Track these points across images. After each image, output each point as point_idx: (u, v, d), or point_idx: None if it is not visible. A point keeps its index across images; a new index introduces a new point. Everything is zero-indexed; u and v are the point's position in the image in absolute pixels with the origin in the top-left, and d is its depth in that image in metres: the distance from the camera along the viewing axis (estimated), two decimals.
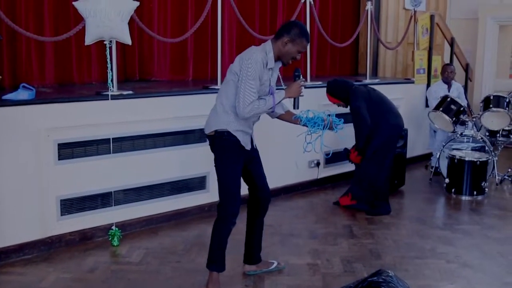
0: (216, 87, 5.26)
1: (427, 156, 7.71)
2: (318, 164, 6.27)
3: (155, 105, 4.77)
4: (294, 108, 3.62)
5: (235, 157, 3.49)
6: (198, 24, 5.27)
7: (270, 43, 3.48)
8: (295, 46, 3.46)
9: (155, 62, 6.26)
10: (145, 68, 6.23)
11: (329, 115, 3.62)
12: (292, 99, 3.60)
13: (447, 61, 8.42)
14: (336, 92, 5.41)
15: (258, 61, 3.36)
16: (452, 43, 8.41)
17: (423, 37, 7.92)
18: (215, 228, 3.54)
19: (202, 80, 6.35)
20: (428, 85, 7.77)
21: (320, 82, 6.32)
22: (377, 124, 5.29)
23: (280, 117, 3.78)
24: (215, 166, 3.52)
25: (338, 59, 8.36)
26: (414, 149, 7.57)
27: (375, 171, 5.36)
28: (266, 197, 3.77)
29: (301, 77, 3.56)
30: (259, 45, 3.53)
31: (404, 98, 7.26)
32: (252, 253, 3.90)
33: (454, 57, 8.42)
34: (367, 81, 7.00)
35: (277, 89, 3.59)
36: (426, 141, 7.70)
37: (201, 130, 5.02)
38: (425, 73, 7.83)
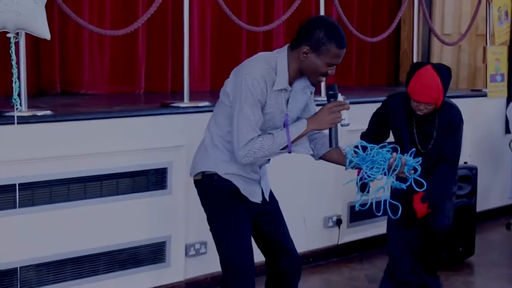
0: (181, 104, 5.30)
1: (509, 210, 7.73)
2: (338, 222, 6.26)
3: (86, 132, 4.77)
4: (330, 146, 3.53)
5: (233, 209, 3.55)
6: (154, 9, 5.30)
7: (285, 52, 3.50)
8: (321, 58, 3.44)
9: (86, 66, 6.28)
10: (70, 76, 6.26)
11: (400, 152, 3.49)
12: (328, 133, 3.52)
13: None
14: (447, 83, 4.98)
15: (256, 78, 3.39)
16: None
17: (500, 25, 7.93)
18: None
19: (160, 94, 6.39)
20: (509, 99, 7.83)
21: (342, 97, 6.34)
22: None
23: (325, 158, 3.73)
24: (209, 226, 3.64)
25: (369, 62, 8.42)
26: (488, 198, 7.57)
27: None
28: (295, 269, 3.85)
29: (339, 96, 3.51)
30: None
31: (472, 120, 7.26)
32: None
33: None
34: None
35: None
36: (507, 186, 7.69)
37: (159, 171, 5.10)
38: (504, 80, 7.88)
